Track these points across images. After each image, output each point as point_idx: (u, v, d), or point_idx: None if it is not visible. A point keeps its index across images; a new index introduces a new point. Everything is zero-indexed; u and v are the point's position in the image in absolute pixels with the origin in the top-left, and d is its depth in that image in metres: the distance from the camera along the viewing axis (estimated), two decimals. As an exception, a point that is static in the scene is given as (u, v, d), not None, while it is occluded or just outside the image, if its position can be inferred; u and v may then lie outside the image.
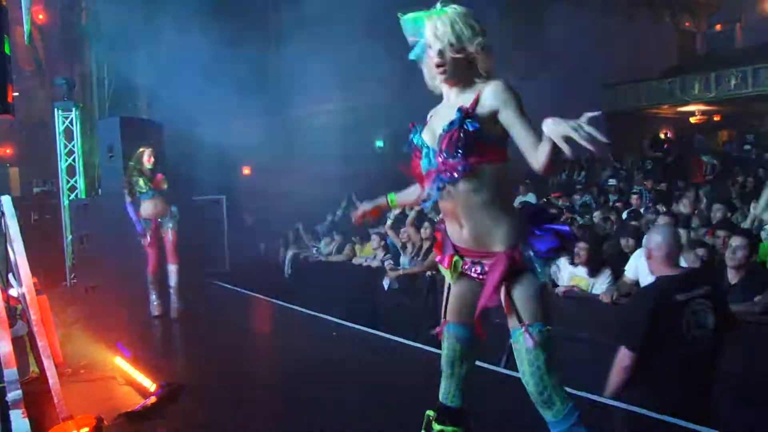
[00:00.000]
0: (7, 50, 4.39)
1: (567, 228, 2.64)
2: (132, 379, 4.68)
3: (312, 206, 12.41)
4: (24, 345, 4.47)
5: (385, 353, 5.56)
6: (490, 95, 2.47)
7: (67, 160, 11.20)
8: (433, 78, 2.62)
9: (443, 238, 2.77)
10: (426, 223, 7.83)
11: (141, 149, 7.25)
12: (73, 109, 11.14)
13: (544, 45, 18.61)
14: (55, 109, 11.21)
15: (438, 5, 2.56)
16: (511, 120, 2.43)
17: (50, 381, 3.59)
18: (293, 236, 11.74)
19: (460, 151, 2.44)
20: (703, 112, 23.62)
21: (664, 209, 8.60)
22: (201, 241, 9.83)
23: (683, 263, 5.04)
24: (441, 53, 2.51)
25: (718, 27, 25.88)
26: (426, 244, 7.72)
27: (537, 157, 2.34)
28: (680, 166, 15.83)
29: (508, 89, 2.47)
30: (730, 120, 23.25)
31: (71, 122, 11.16)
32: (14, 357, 3.51)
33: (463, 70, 2.55)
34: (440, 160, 2.51)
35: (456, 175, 2.47)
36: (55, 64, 12.47)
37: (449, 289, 2.82)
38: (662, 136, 22.96)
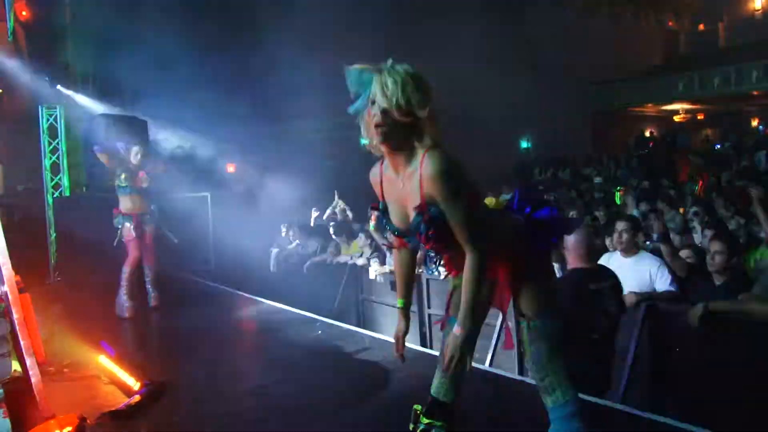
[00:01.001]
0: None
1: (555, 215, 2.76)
2: (116, 377, 4.66)
3: (297, 203, 12.39)
4: (6, 343, 4.44)
5: (371, 351, 5.57)
6: (427, 181, 2.39)
7: (51, 158, 11.12)
8: (371, 138, 2.48)
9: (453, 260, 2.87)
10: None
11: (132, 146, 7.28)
12: (57, 107, 11.07)
13: (529, 44, 18.68)
14: (39, 107, 11.13)
15: (389, 62, 2.41)
16: (446, 211, 2.41)
17: (32, 380, 3.57)
18: (281, 233, 11.73)
19: (438, 241, 2.49)
20: (686, 111, 23.84)
21: (648, 208, 8.66)
22: (185, 238, 9.80)
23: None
24: (385, 113, 2.36)
25: (701, 27, 26.14)
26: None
27: (464, 270, 2.47)
28: (666, 164, 15.93)
29: (442, 173, 2.37)
30: (714, 118, 23.47)
31: (55, 120, 11.08)
32: (-4, 356, 3.49)
33: (404, 135, 2.42)
34: (425, 246, 2.57)
35: (445, 252, 2.60)
36: (39, 61, 12.35)
37: (455, 286, 2.89)
38: (646, 134, 23.15)
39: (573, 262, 4.22)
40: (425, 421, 2.85)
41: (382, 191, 2.66)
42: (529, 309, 2.62)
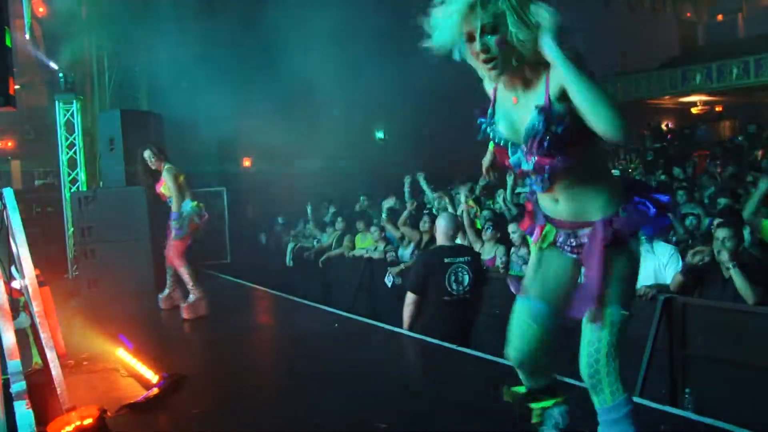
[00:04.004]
0: (8, 43, 4.39)
1: (667, 197, 2.44)
2: (134, 370, 4.70)
3: (311, 197, 12.43)
4: (27, 337, 4.49)
5: (386, 344, 5.58)
6: (556, 75, 2.20)
7: (68, 153, 11.21)
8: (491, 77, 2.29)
9: (534, 209, 2.61)
10: (426, 218, 7.81)
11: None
12: (74, 102, 11.14)
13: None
14: (56, 102, 11.21)
15: None
16: (575, 86, 2.15)
17: (53, 372, 3.60)
18: (297, 226, 11.77)
19: (552, 151, 2.24)
20: (704, 103, 23.59)
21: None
22: (202, 232, 9.83)
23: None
24: (485, 46, 2.20)
25: (719, 17, 25.83)
26: (426, 237, 7.68)
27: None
28: (682, 157, 15.78)
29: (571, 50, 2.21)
30: (732, 110, 23.21)
31: (72, 115, 11.16)
32: (18, 349, 3.53)
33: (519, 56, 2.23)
34: (534, 160, 2.30)
35: (554, 170, 2.30)
36: (56, 57, 12.45)
37: (530, 261, 2.68)
38: (663, 126, 22.93)
39: (438, 241, 5.26)
40: (537, 406, 2.71)
41: (495, 96, 2.46)
42: (606, 294, 2.32)
